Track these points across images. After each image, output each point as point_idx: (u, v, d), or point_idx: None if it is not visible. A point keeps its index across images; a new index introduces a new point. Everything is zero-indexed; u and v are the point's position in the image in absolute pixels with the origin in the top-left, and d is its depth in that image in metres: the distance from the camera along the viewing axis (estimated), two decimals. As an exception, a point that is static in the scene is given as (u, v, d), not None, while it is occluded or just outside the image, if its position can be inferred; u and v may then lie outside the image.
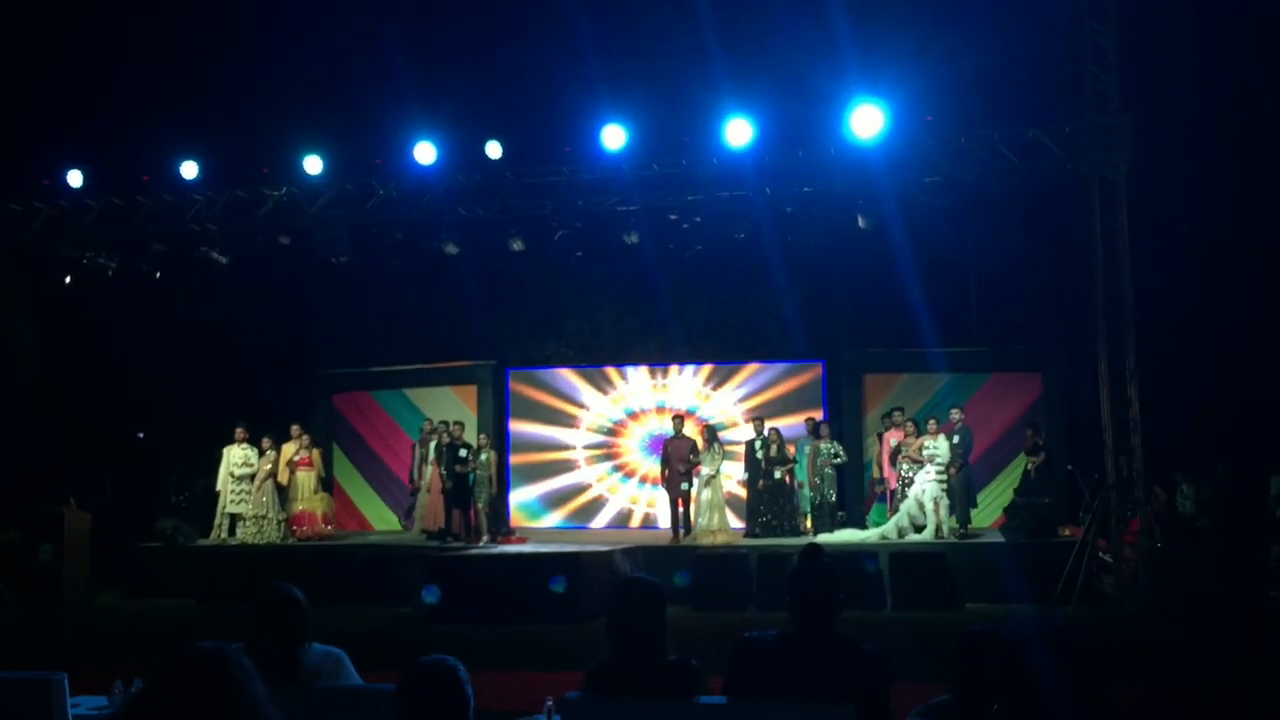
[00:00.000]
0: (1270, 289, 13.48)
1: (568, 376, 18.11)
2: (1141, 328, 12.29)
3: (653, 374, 17.88)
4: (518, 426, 18.12)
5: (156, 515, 15.94)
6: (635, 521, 17.63)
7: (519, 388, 18.23)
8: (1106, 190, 12.32)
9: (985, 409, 15.93)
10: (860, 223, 13.70)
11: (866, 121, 12.78)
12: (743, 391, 17.53)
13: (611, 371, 18.00)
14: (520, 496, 18.04)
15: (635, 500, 17.67)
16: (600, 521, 17.75)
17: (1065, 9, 12.29)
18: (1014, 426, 15.78)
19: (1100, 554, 12.25)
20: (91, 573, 14.86)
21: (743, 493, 15.67)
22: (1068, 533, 13.59)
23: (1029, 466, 14.60)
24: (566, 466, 17.97)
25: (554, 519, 17.93)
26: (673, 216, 14.49)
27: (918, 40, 13.22)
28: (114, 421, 17.23)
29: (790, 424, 16.28)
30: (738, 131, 13.19)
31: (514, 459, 18.03)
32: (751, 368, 17.54)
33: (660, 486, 15.87)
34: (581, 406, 18.04)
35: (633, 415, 17.87)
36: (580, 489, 17.95)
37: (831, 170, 13.59)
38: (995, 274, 15.20)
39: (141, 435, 17.98)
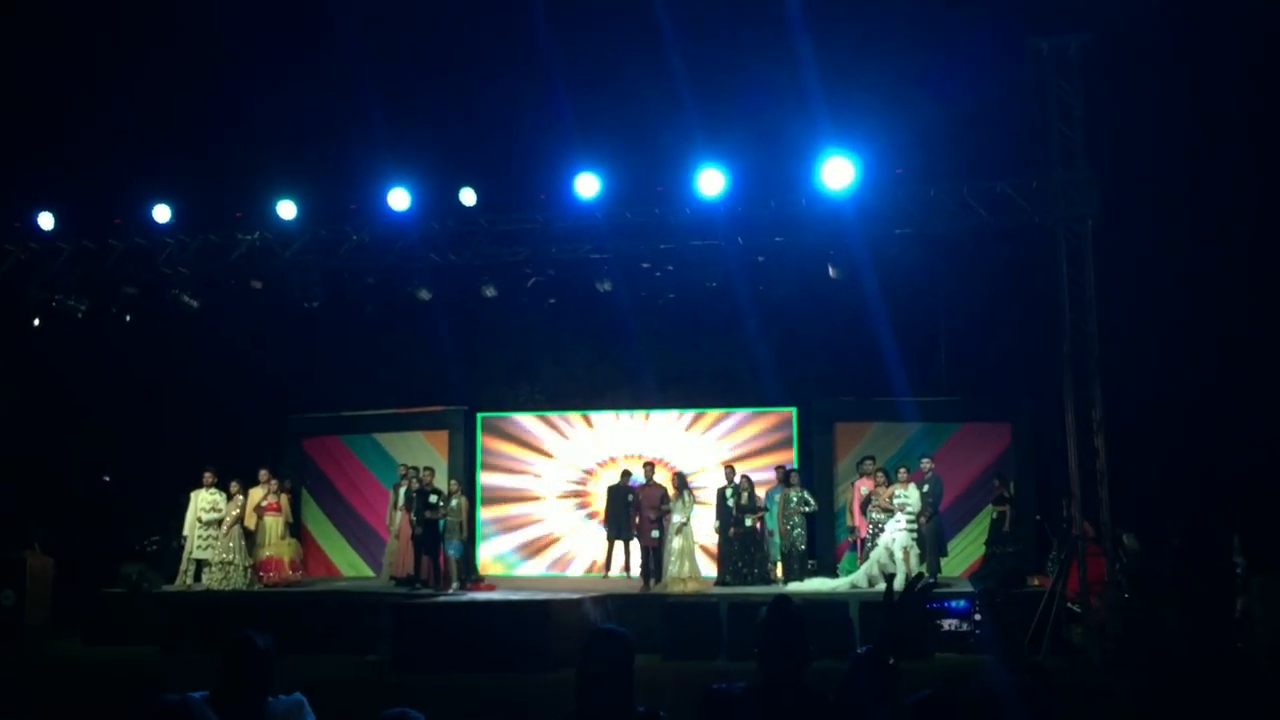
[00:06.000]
0: (1235, 338, 13.67)
1: (539, 422, 18.08)
2: (1110, 380, 12.42)
3: (625, 420, 17.88)
4: (488, 477, 18.05)
5: (121, 560, 15.74)
6: (589, 567, 17.49)
7: (490, 433, 18.18)
8: (1073, 244, 12.51)
9: (955, 458, 16.01)
10: (831, 273, 13.81)
11: (838, 173, 12.92)
12: (714, 439, 17.55)
13: (583, 418, 17.99)
14: (491, 544, 17.94)
15: (606, 547, 17.55)
16: (555, 566, 17.67)
17: (1032, 66, 12.52)
18: (983, 476, 15.87)
19: (1069, 604, 12.29)
20: (53, 619, 14.63)
21: (714, 540, 15.64)
22: (1037, 582, 13.64)
23: (995, 516, 14.69)
24: (536, 513, 17.89)
25: (526, 567, 17.83)
26: (645, 265, 14.56)
27: (888, 94, 13.43)
28: (80, 465, 17.04)
29: (761, 472, 16.30)
30: (710, 181, 13.30)
31: (484, 505, 17.95)
32: (723, 415, 17.57)
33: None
34: (552, 454, 18.00)
35: (603, 462, 17.84)
36: (552, 537, 17.86)
37: (803, 221, 13.71)
38: (965, 325, 15.36)
39: (108, 479, 17.79)
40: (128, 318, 15.62)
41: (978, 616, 12.82)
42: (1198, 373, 13.78)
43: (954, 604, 12.95)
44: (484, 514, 17.92)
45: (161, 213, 14.55)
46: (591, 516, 17.60)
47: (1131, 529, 13.28)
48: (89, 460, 17.34)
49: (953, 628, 12.78)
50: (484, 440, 18.15)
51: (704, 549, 15.75)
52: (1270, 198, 13.34)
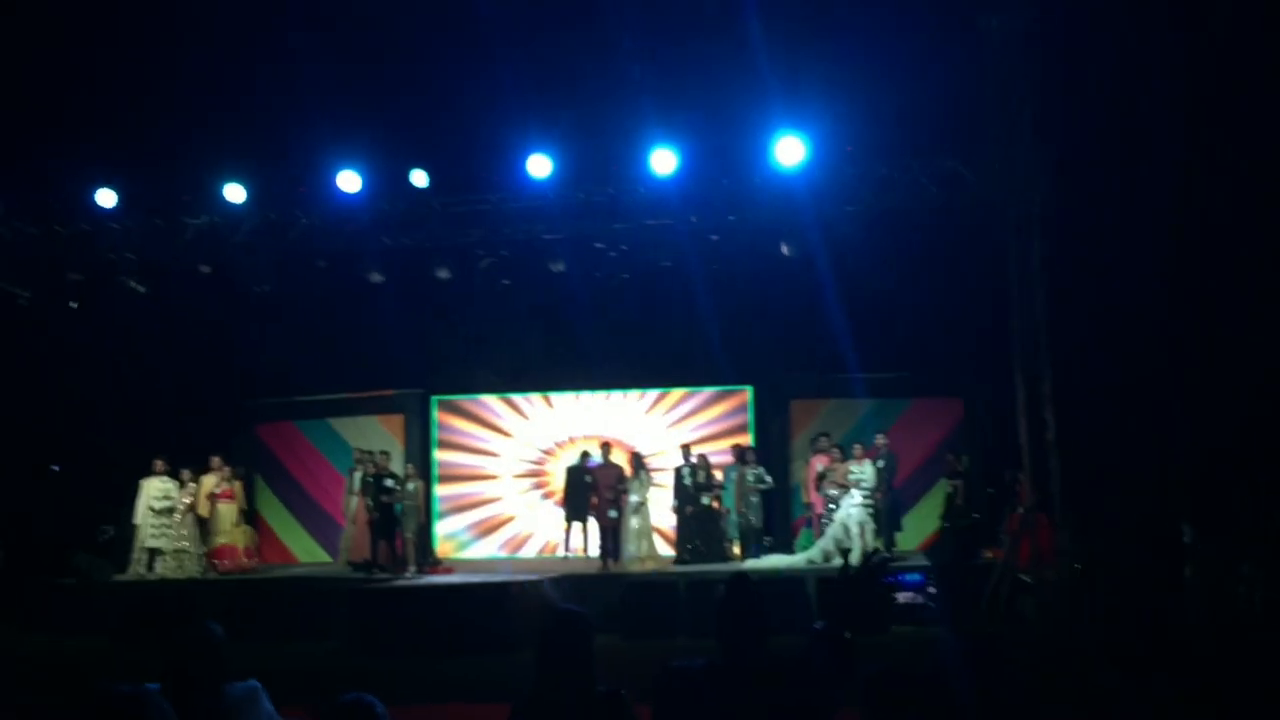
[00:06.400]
0: (1185, 311, 13.86)
1: (495, 404, 18.03)
2: (1059, 353, 12.56)
3: (580, 401, 17.87)
4: (444, 455, 17.98)
5: (72, 550, 15.52)
6: (548, 548, 17.50)
7: (445, 415, 18.10)
8: (1022, 220, 12.62)
9: (908, 434, 16.15)
10: (784, 250, 13.85)
11: (789, 151, 12.95)
12: (670, 418, 17.58)
13: (539, 398, 17.96)
14: (447, 525, 17.88)
15: (564, 527, 17.51)
16: (513, 548, 17.66)
17: (982, 44, 12.58)
18: (937, 451, 16.03)
19: (1020, 575, 12.46)
20: (3, 610, 14.42)
21: (671, 520, 15.70)
22: (990, 555, 13.81)
23: (949, 490, 14.85)
24: (494, 495, 17.86)
25: (480, 548, 17.80)
26: (599, 245, 14.54)
27: (839, 71, 13.44)
28: (29, 454, 16.78)
29: (718, 450, 16.36)
30: (663, 161, 13.29)
31: (440, 488, 17.88)
32: (679, 394, 17.60)
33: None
34: (508, 434, 17.96)
35: (560, 443, 17.82)
36: (507, 517, 17.84)
37: (755, 199, 13.74)
38: (917, 300, 15.43)
39: (56, 468, 17.53)
40: (73, 304, 15.37)
41: (932, 589, 12.97)
42: (1147, 343, 13.96)
43: (908, 577, 13.09)
44: (441, 496, 17.86)
45: (106, 197, 14.30)
46: (549, 497, 17.60)
47: (1079, 501, 13.47)
48: (38, 449, 17.06)
49: (908, 600, 12.92)
50: (439, 421, 18.06)
51: (659, 531, 15.81)
52: (1221, 173, 13.52)
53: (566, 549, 16.10)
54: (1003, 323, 12.90)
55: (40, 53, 14.78)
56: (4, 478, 15.95)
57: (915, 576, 13.10)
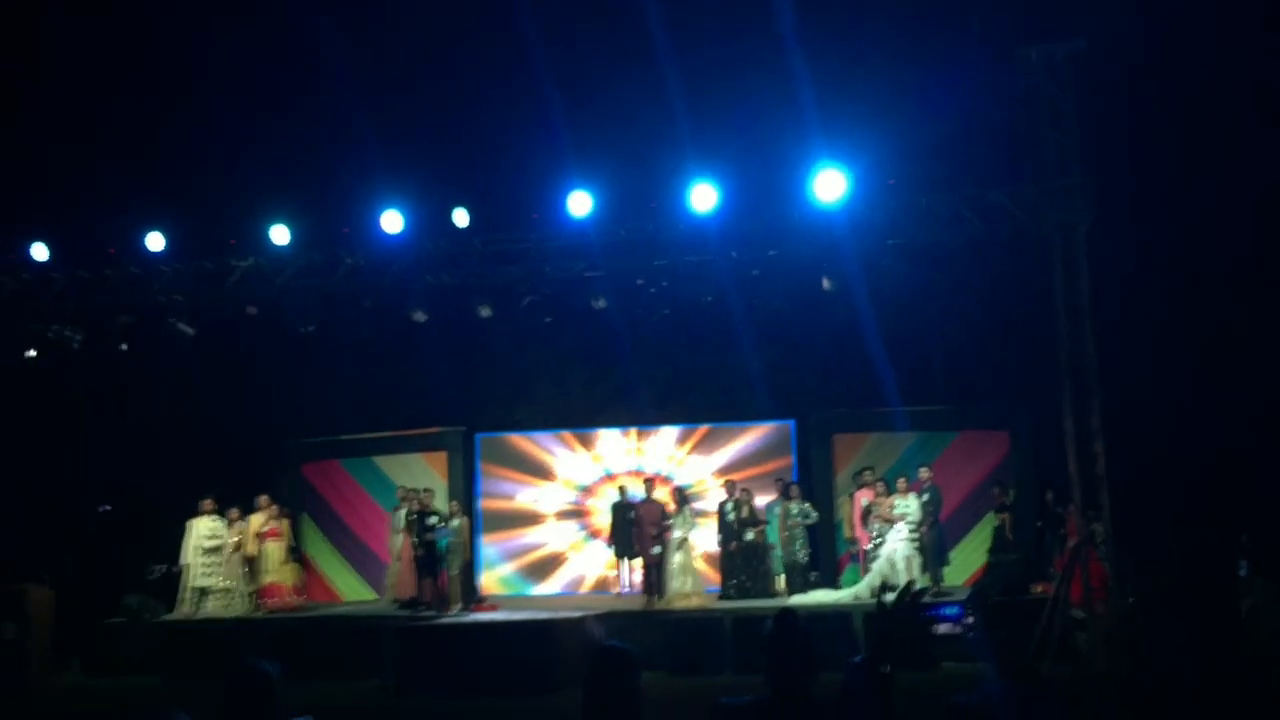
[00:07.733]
0: (1233, 340, 13.68)
1: (538, 441, 18.06)
2: (1108, 384, 12.41)
3: (623, 437, 17.86)
4: (488, 490, 18.02)
5: (123, 590, 15.68)
6: (593, 585, 17.48)
7: (489, 452, 18.15)
8: (1067, 250, 12.51)
9: (954, 467, 15.98)
10: (825, 284, 13.81)
11: (829, 185, 12.94)
12: (713, 453, 17.52)
13: (582, 435, 17.97)
14: (491, 559, 17.88)
15: (610, 566, 17.42)
16: (558, 584, 17.63)
17: (1022, 74, 12.55)
18: (982, 484, 15.84)
19: (1073, 611, 12.26)
20: (55, 650, 14.57)
21: (713, 556, 15.63)
22: (1040, 590, 13.60)
23: (996, 524, 14.66)
24: (538, 531, 17.85)
25: (522, 580, 17.76)
26: (640, 281, 14.55)
27: (879, 105, 13.45)
28: (80, 494, 17.00)
29: (761, 485, 16.28)
30: (703, 196, 13.31)
31: (484, 522, 17.90)
32: (721, 429, 17.55)
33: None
34: (552, 470, 17.97)
35: (605, 478, 17.79)
36: (549, 551, 17.81)
37: (796, 233, 13.71)
38: (960, 333, 15.33)
39: (107, 508, 17.74)
40: (124, 346, 15.61)
41: (970, 620, 12.84)
42: (1197, 375, 13.78)
43: (947, 609, 12.99)
44: (485, 533, 17.88)
45: (155, 241, 14.54)
46: (593, 534, 17.59)
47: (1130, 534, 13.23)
48: (88, 490, 17.28)
49: (947, 631, 12.82)
50: (483, 461, 18.12)
51: (704, 562, 15.74)
52: (1263, 198, 13.37)
53: (627, 586, 16.10)
54: (1049, 354, 12.76)
55: (90, 99, 15.13)
56: (55, 518, 16.15)
57: (953, 608, 13.00)
